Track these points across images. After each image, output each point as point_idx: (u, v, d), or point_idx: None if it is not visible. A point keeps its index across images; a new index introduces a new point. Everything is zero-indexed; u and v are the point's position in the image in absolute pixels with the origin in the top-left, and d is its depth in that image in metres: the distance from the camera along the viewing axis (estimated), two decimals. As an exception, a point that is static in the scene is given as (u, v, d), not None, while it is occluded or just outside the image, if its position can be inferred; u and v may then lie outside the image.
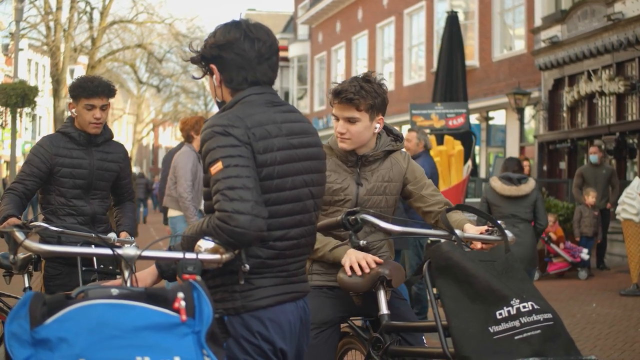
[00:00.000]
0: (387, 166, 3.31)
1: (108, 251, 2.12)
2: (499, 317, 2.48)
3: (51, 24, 25.69)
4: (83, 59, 33.47)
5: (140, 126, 48.04)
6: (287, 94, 35.22)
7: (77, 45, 28.03)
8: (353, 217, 2.84)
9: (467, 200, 11.01)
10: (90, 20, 28.24)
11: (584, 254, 10.97)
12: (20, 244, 2.10)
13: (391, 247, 3.39)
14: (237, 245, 2.25)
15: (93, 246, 3.09)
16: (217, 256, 2.22)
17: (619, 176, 12.93)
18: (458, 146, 9.90)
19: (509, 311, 2.49)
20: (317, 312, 3.15)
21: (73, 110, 4.17)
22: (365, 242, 2.93)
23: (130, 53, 33.36)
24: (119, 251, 2.13)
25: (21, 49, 24.17)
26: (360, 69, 29.03)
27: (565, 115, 16.97)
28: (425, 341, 3.22)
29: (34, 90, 16.92)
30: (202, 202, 2.59)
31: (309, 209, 2.49)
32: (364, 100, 3.12)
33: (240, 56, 2.42)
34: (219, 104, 2.53)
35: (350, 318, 3.33)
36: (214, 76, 2.49)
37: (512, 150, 18.63)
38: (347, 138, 3.19)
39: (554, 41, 16.52)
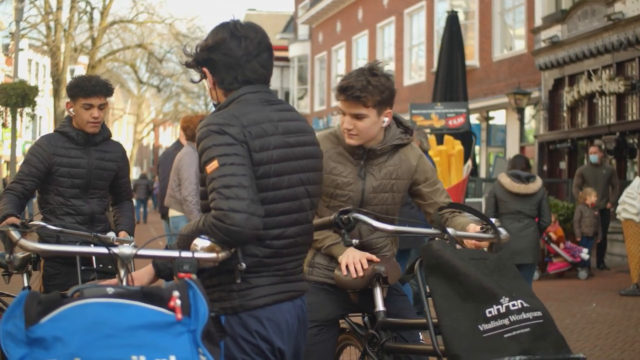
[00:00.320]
0: (396, 162, 3.23)
1: (103, 250, 2.12)
2: (488, 315, 2.48)
3: (51, 23, 25.72)
4: (83, 59, 33.51)
5: (140, 126, 48.07)
6: (287, 94, 35.24)
7: (78, 45, 28.07)
8: (346, 217, 2.81)
9: (467, 200, 11.01)
10: (91, 20, 28.28)
11: (584, 253, 10.97)
12: (16, 243, 2.10)
13: (395, 245, 3.37)
14: (233, 243, 2.25)
15: (92, 245, 3.09)
16: (213, 255, 2.22)
17: (619, 176, 12.93)
18: (458, 146, 9.90)
19: (498, 309, 2.48)
20: (319, 309, 3.16)
21: (71, 109, 4.17)
22: (357, 241, 2.89)
23: (131, 53, 33.40)
24: (115, 250, 2.13)
25: (21, 49, 24.18)
26: (360, 69, 28.99)
27: (565, 115, 16.97)
28: (422, 338, 3.22)
29: (34, 90, 16.92)
30: None
31: (305, 207, 2.49)
32: (371, 97, 3.04)
33: (228, 56, 2.43)
34: (216, 106, 2.53)
35: (350, 314, 3.32)
36: (208, 79, 2.51)
37: (512, 151, 18.61)
38: (354, 134, 3.12)
39: (554, 41, 16.51)
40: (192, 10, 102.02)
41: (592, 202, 11.12)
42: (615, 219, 10.70)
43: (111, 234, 4.10)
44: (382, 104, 3.10)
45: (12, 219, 3.82)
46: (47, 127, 37.99)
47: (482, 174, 19.83)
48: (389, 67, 26.28)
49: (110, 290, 1.84)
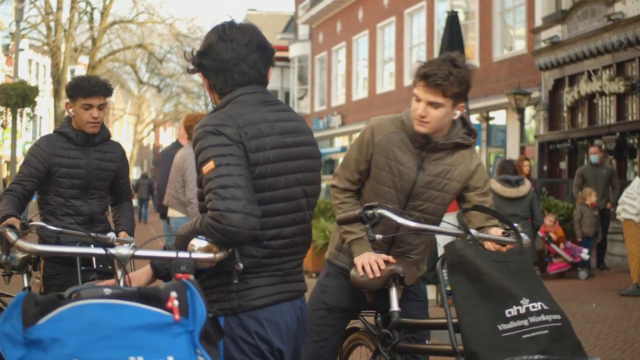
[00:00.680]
0: (453, 162, 3.16)
1: (100, 251, 2.12)
2: (508, 315, 2.49)
3: (52, 24, 25.74)
4: (84, 59, 33.52)
5: (140, 126, 48.08)
6: (287, 94, 35.25)
7: (78, 45, 28.10)
8: (371, 212, 2.79)
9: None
10: (91, 20, 28.30)
11: (584, 254, 10.96)
12: (13, 244, 2.10)
13: (429, 245, 3.35)
14: (230, 243, 2.25)
15: (92, 246, 3.09)
16: (211, 255, 2.22)
17: (619, 176, 12.93)
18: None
19: (518, 310, 2.50)
20: (334, 294, 3.19)
21: (70, 110, 4.17)
22: (381, 236, 2.82)
23: (131, 53, 33.43)
24: (112, 251, 2.13)
25: (22, 49, 24.20)
26: (360, 69, 29.05)
27: (565, 115, 16.96)
28: (429, 342, 3.22)
29: (35, 91, 16.93)
30: None
31: (302, 207, 2.49)
32: (451, 87, 2.99)
33: (216, 61, 2.44)
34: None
35: (363, 311, 3.32)
36: (204, 83, 2.54)
37: (513, 151, 18.61)
38: (426, 122, 3.05)
39: (554, 41, 16.51)
40: (192, 10, 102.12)
41: (592, 202, 11.11)
42: (615, 219, 10.69)
43: (111, 235, 4.10)
44: (459, 97, 3.06)
45: (12, 220, 3.82)
46: (47, 127, 38.00)
47: (482, 174, 19.78)
48: (390, 68, 26.31)
49: (107, 291, 1.84)
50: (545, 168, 17.54)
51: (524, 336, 2.46)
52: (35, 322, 1.74)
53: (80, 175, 4.16)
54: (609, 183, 11.77)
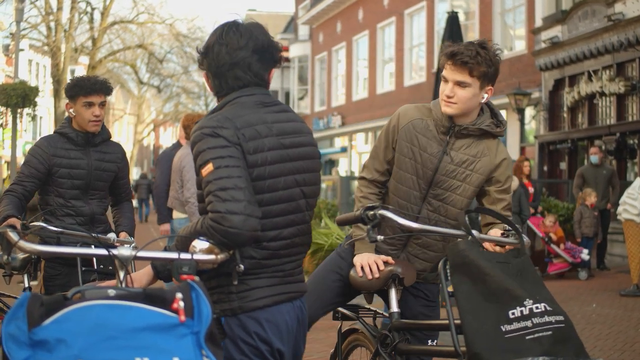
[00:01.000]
0: (477, 153, 3.11)
1: (103, 251, 2.12)
2: (511, 316, 2.49)
3: (52, 24, 25.72)
4: (84, 60, 33.50)
5: (141, 126, 48.07)
6: (287, 94, 35.24)
7: (78, 45, 28.09)
8: (372, 212, 2.78)
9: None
10: (91, 20, 28.30)
11: (584, 254, 10.97)
12: (14, 245, 2.10)
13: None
14: (231, 245, 2.25)
15: (93, 246, 3.09)
16: (212, 256, 2.22)
17: (619, 176, 12.94)
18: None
19: (521, 311, 2.49)
20: (345, 268, 3.18)
21: (71, 110, 4.17)
22: (382, 237, 2.81)
23: (131, 53, 33.42)
24: (114, 251, 2.13)
25: (22, 50, 24.19)
26: (361, 69, 29.05)
27: (565, 115, 16.97)
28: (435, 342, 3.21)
29: (35, 91, 16.90)
30: None
31: (302, 208, 2.49)
32: (478, 66, 2.98)
33: (212, 65, 2.45)
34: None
35: (361, 312, 3.31)
36: (207, 83, 2.55)
37: (513, 151, 18.61)
38: (453, 102, 3.03)
39: (554, 41, 16.51)
40: (193, 10, 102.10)
41: (592, 202, 11.12)
42: (615, 219, 10.70)
43: (112, 235, 4.10)
44: (486, 78, 3.03)
45: (13, 220, 3.82)
46: (48, 127, 37.99)
47: (483, 174, 19.77)
48: (390, 68, 26.30)
49: (111, 292, 1.84)
50: (545, 168, 17.54)
51: (527, 337, 2.46)
52: (41, 322, 1.74)
53: (80, 176, 4.16)
54: (609, 183, 11.78)
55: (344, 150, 30.34)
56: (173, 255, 2.17)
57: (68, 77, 24.50)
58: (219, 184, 2.24)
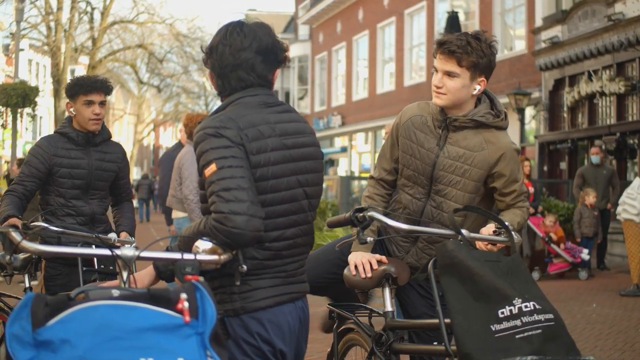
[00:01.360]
0: (475, 147, 3.03)
1: (106, 251, 2.12)
2: (500, 315, 2.48)
3: (52, 24, 25.72)
4: (84, 59, 33.50)
5: (141, 126, 48.06)
6: (287, 94, 35.23)
7: (78, 45, 28.10)
8: (361, 214, 2.78)
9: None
10: (91, 20, 28.30)
11: (585, 254, 10.97)
12: (18, 245, 2.09)
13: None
14: (235, 245, 2.25)
15: (94, 246, 3.09)
16: (215, 257, 2.22)
17: (619, 176, 12.94)
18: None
19: (510, 310, 2.49)
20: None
21: (71, 109, 4.18)
22: (372, 239, 2.81)
23: (131, 53, 33.42)
24: (117, 252, 2.12)
25: (22, 49, 24.17)
26: (361, 69, 29.05)
27: (565, 115, 16.97)
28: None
29: (35, 91, 16.91)
30: None
31: (304, 208, 2.49)
32: (467, 56, 2.93)
33: (215, 66, 2.46)
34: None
35: (357, 312, 3.32)
36: (211, 82, 2.55)
37: (513, 151, 18.59)
38: (442, 93, 2.99)
39: (554, 41, 16.51)
40: (193, 10, 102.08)
41: (591, 202, 11.12)
42: (615, 219, 10.70)
43: (112, 235, 4.10)
44: (477, 69, 2.97)
45: (14, 220, 3.83)
46: (48, 127, 37.99)
47: (483, 174, 19.77)
48: (390, 68, 26.30)
49: (116, 292, 1.84)
50: (545, 168, 17.54)
51: (517, 336, 2.45)
52: (45, 323, 1.74)
53: (81, 176, 4.17)
54: (609, 183, 11.78)
55: (344, 150, 30.34)
56: (176, 255, 2.17)
57: (68, 77, 24.51)
58: (222, 185, 2.24)
